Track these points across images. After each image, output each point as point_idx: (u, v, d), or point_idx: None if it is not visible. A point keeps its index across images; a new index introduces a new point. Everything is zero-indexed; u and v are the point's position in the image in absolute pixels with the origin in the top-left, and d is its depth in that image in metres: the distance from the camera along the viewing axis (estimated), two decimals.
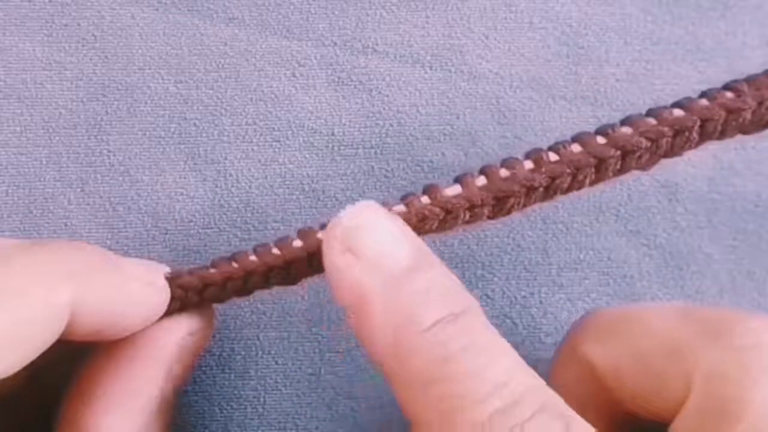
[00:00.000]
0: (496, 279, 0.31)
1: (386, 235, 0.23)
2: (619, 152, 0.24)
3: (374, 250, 0.23)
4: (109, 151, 0.31)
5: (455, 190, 0.25)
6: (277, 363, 0.31)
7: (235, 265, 0.26)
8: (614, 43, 0.32)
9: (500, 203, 0.25)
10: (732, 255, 0.32)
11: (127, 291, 0.24)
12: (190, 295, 0.26)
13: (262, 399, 0.31)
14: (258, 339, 0.31)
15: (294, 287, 0.26)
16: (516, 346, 0.31)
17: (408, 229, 0.24)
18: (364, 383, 0.31)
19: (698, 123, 0.24)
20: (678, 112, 0.25)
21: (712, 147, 0.32)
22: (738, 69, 0.32)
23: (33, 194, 0.31)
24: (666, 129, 0.24)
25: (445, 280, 0.23)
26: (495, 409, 0.21)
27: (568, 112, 0.32)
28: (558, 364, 0.27)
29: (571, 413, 0.21)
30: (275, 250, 0.26)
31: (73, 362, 0.26)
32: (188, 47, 0.32)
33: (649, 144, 0.24)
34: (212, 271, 0.26)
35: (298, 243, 0.25)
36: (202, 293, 0.26)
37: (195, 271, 0.26)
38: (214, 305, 0.27)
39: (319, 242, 0.25)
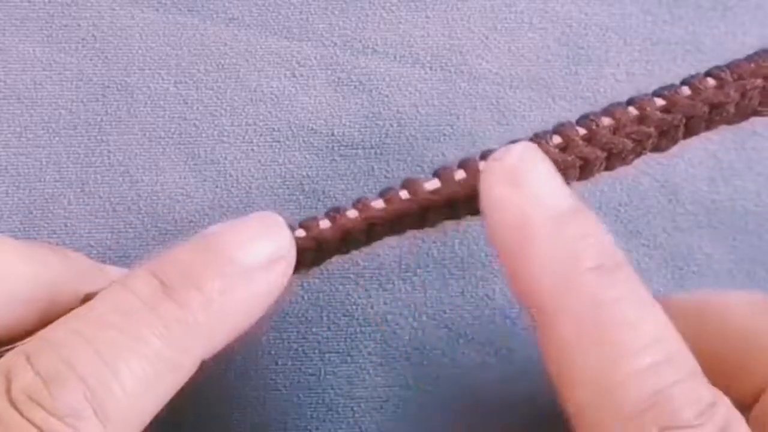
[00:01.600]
0: (496, 279, 0.31)
1: (549, 175, 0.23)
2: (605, 153, 0.24)
3: (540, 186, 0.23)
4: (109, 152, 0.31)
5: (434, 184, 0.25)
6: (277, 363, 0.31)
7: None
8: (614, 43, 0.32)
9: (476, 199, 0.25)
10: (732, 255, 0.32)
11: (256, 298, 0.23)
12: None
13: (262, 399, 0.31)
14: (258, 339, 0.31)
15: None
16: (516, 347, 0.31)
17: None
18: (364, 384, 0.31)
19: (683, 122, 0.24)
20: (660, 102, 0.24)
21: (712, 147, 0.32)
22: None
23: (33, 195, 0.31)
24: (651, 130, 0.24)
25: (602, 231, 0.23)
26: (651, 362, 0.21)
27: (568, 112, 0.32)
28: None
29: (715, 389, 0.21)
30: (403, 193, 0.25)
31: None
32: (188, 47, 0.32)
33: (633, 145, 0.24)
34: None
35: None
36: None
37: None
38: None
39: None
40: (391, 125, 0.32)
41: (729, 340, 0.24)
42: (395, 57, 0.32)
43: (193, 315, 0.22)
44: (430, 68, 0.32)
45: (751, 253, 0.32)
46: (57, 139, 0.31)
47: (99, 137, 0.31)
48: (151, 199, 0.31)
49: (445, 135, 0.32)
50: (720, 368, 0.23)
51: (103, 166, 0.31)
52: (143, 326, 0.22)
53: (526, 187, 0.23)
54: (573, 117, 0.32)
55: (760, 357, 0.23)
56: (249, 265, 0.23)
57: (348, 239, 0.25)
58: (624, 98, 0.32)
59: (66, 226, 0.31)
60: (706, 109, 0.24)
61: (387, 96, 0.32)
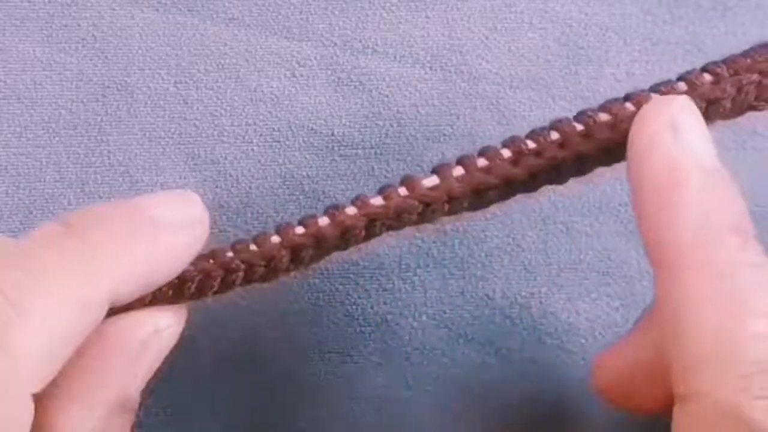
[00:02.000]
0: (496, 279, 0.31)
1: (705, 132, 0.23)
2: (601, 151, 0.24)
3: (697, 139, 0.23)
4: (109, 152, 0.31)
5: (433, 181, 0.25)
6: (277, 363, 0.31)
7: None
8: (614, 43, 0.32)
9: (478, 195, 0.25)
10: None
11: (166, 249, 0.24)
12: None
13: (262, 399, 0.31)
14: (258, 339, 0.31)
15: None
16: (516, 347, 0.31)
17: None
18: (364, 384, 0.31)
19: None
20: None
21: None
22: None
23: (33, 195, 0.31)
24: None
25: (739, 195, 0.23)
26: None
27: (568, 112, 0.32)
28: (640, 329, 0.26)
29: None
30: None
31: None
32: (188, 48, 0.32)
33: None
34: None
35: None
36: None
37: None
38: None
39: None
40: (391, 125, 0.32)
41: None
42: (395, 57, 0.32)
43: (95, 249, 0.22)
44: (430, 68, 0.32)
45: None
46: (57, 139, 0.31)
47: (99, 137, 0.31)
48: None
49: (445, 135, 0.32)
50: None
51: (103, 166, 0.31)
52: (45, 262, 0.22)
53: (684, 136, 0.23)
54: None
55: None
56: (157, 219, 0.24)
57: (347, 236, 0.25)
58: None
59: None
60: (702, 104, 0.24)
61: (387, 96, 0.32)
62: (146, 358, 0.24)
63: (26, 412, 0.21)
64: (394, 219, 0.25)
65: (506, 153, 0.25)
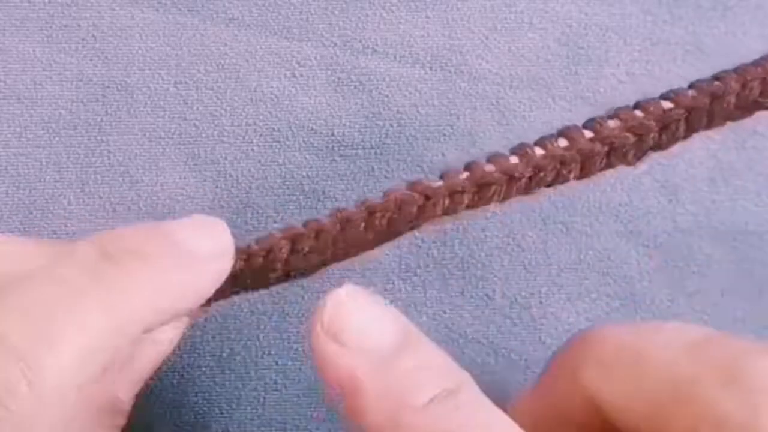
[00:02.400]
0: (496, 279, 0.31)
1: (369, 316, 0.23)
2: (606, 148, 0.24)
3: (358, 333, 0.23)
4: (109, 152, 0.31)
5: (438, 184, 0.25)
6: (277, 363, 0.31)
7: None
8: (614, 43, 0.32)
9: (481, 191, 0.24)
10: (732, 255, 0.32)
11: (198, 281, 0.24)
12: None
13: (262, 399, 0.31)
14: (258, 339, 0.31)
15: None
16: (516, 347, 0.31)
17: (392, 309, 0.24)
18: None
19: (684, 115, 0.24)
20: (666, 104, 0.24)
21: (712, 147, 0.32)
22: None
23: (33, 195, 0.31)
24: (653, 123, 0.24)
25: (435, 357, 0.23)
26: None
27: (568, 113, 0.32)
28: (549, 377, 0.26)
29: None
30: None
31: None
32: (188, 48, 0.32)
33: (635, 139, 0.24)
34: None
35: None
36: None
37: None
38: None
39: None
40: (391, 125, 0.32)
41: (658, 384, 0.23)
42: (395, 57, 0.32)
43: (132, 278, 0.22)
44: (430, 68, 0.32)
45: (751, 253, 0.32)
46: (57, 139, 0.31)
47: (99, 137, 0.31)
48: (151, 199, 0.31)
49: (445, 135, 0.32)
50: (652, 412, 0.23)
51: (103, 166, 0.31)
52: (81, 294, 0.21)
53: (345, 339, 0.22)
54: (573, 117, 0.32)
55: (685, 405, 0.22)
56: (191, 250, 0.23)
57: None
58: (623, 97, 0.32)
59: (66, 226, 0.31)
60: (707, 100, 0.24)
61: (387, 96, 0.32)
62: (138, 365, 0.24)
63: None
64: (393, 216, 0.25)
65: (513, 159, 0.25)
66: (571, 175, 0.25)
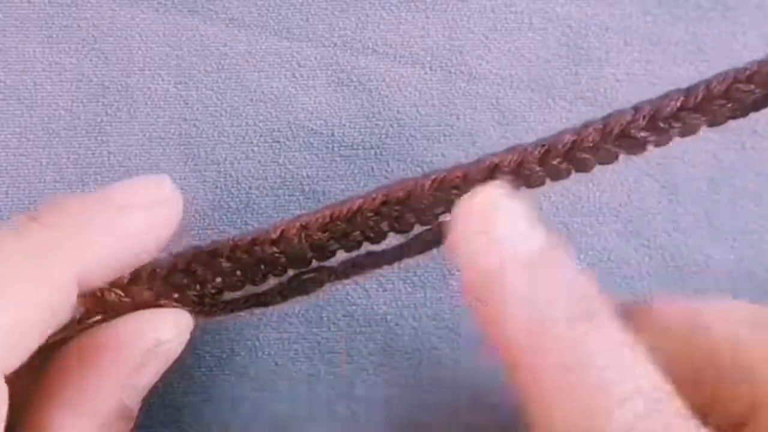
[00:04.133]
0: None
1: (521, 217, 0.22)
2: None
3: (510, 232, 0.22)
4: (109, 152, 0.31)
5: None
6: (276, 364, 0.31)
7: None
8: (614, 43, 0.32)
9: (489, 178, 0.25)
10: (732, 255, 0.32)
11: (132, 228, 0.24)
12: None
13: (262, 399, 0.31)
14: (258, 339, 0.31)
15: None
16: None
17: (539, 217, 0.23)
18: (363, 383, 0.31)
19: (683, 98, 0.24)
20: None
21: (712, 147, 0.32)
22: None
23: (33, 195, 0.31)
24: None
25: (579, 276, 0.22)
26: (640, 410, 0.20)
27: (568, 113, 0.32)
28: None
29: (696, 420, 0.20)
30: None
31: (43, 360, 0.25)
32: (188, 48, 0.32)
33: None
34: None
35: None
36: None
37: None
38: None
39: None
40: (391, 125, 0.32)
41: (715, 356, 0.22)
42: (395, 57, 0.32)
43: (57, 234, 0.22)
44: (430, 68, 0.32)
45: (751, 253, 0.32)
46: (57, 139, 0.31)
47: (99, 138, 0.31)
48: None
49: (444, 135, 0.32)
50: (706, 385, 0.22)
51: (103, 166, 0.31)
52: (7, 249, 0.22)
53: (495, 233, 0.22)
54: (573, 117, 0.32)
55: (744, 379, 0.22)
56: (123, 203, 0.24)
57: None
58: (623, 98, 0.32)
59: None
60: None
61: (387, 96, 0.32)
62: (147, 369, 0.24)
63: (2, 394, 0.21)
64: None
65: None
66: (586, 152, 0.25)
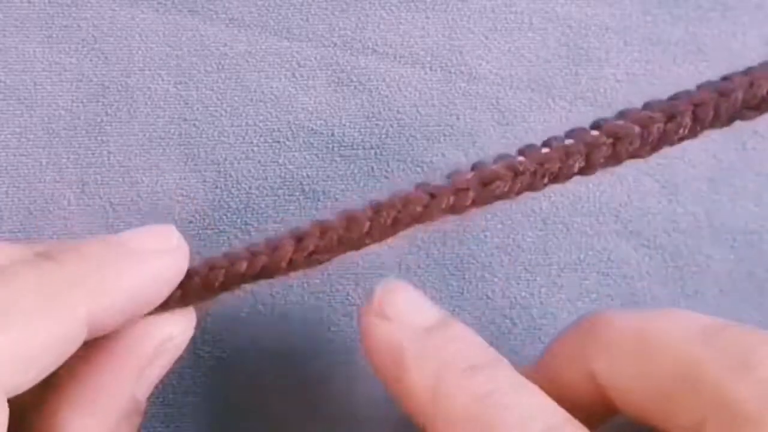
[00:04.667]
0: (496, 279, 0.31)
1: (414, 299, 0.25)
2: (610, 140, 0.24)
3: (404, 311, 0.25)
4: (109, 153, 0.31)
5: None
6: (277, 364, 0.31)
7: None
8: (614, 43, 0.32)
9: (486, 187, 0.25)
10: (732, 255, 0.32)
11: (143, 275, 0.24)
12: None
13: (262, 401, 0.31)
14: (258, 339, 0.31)
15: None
16: (516, 347, 0.31)
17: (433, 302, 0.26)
18: (364, 385, 0.31)
19: (690, 108, 0.24)
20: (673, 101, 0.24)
21: (712, 147, 0.32)
22: (738, 69, 0.32)
23: (33, 195, 0.31)
24: (658, 115, 0.24)
25: (473, 336, 0.25)
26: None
27: (568, 113, 0.32)
28: (551, 356, 0.26)
29: None
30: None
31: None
32: (188, 48, 0.32)
33: (640, 130, 0.24)
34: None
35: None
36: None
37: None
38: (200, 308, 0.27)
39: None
40: (391, 125, 0.32)
41: (666, 369, 0.23)
42: (395, 57, 0.32)
43: (72, 274, 0.23)
44: (430, 68, 0.32)
45: (751, 253, 0.32)
46: (57, 139, 0.31)
47: (99, 138, 0.31)
48: (151, 199, 0.31)
49: (444, 135, 0.32)
50: (659, 398, 0.23)
51: (103, 166, 0.31)
52: (25, 279, 0.22)
53: (392, 315, 0.25)
54: (573, 117, 0.32)
55: (694, 391, 0.22)
56: (133, 248, 0.25)
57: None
58: (623, 98, 0.32)
59: (66, 226, 0.31)
60: (714, 95, 0.24)
61: (387, 96, 0.32)
62: (157, 365, 0.25)
63: (2, 413, 0.21)
64: (399, 214, 0.25)
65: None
66: (576, 166, 0.24)
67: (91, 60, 0.32)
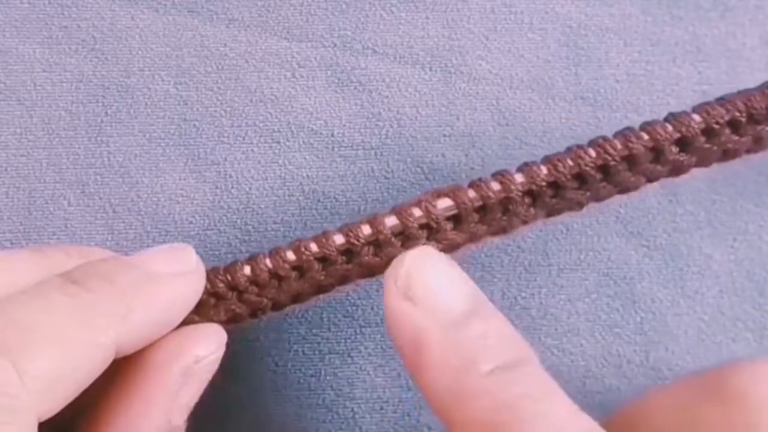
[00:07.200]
0: (496, 280, 0.31)
1: (443, 280, 0.24)
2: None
3: (431, 295, 0.23)
4: (109, 153, 0.31)
5: (446, 203, 0.25)
6: (277, 365, 0.31)
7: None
8: (614, 44, 0.32)
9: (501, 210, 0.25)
10: (732, 255, 0.32)
11: (165, 299, 0.24)
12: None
13: (262, 400, 0.31)
14: (258, 341, 0.31)
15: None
16: None
17: (465, 275, 0.24)
18: (364, 385, 0.31)
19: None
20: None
21: None
22: (738, 69, 0.32)
23: (33, 196, 0.31)
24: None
25: (503, 328, 0.23)
26: None
27: (568, 113, 0.32)
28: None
29: None
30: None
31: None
32: (188, 49, 0.32)
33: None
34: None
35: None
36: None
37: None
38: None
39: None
40: (391, 126, 0.32)
41: None
42: (395, 57, 0.32)
43: (100, 299, 0.23)
44: (430, 69, 0.32)
45: (751, 253, 0.32)
46: (57, 140, 0.31)
47: (99, 138, 0.31)
48: (151, 200, 0.31)
49: (444, 136, 0.32)
50: None
51: (103, 167, 0.31)
52: (57, 303, 0.22)
53: (418, 299, 0.23)
54: (573, 117, 0.32)
55: None
56: (153, 270, 0.24)
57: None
58: (623, 98, 0.32)
59: (66, 227, 0.31)
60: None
61: (387, 96, 0.32)
62: (189, 387, 0.25)
63: None
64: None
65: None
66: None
67: (91, 60, 0.32)
